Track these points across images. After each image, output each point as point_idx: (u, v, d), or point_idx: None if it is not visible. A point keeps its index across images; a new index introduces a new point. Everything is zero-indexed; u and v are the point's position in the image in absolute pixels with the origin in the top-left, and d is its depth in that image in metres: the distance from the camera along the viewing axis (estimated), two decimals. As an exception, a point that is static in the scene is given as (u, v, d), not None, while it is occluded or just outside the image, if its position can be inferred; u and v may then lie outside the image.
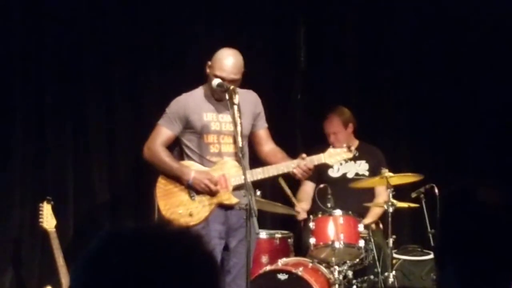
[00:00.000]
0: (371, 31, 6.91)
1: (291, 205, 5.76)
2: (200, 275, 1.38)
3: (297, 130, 6.85)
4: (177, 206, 4.91)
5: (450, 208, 1.98)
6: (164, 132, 4.98)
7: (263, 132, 5.15)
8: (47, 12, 5.93)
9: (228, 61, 4.89)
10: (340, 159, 5.11)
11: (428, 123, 6.88)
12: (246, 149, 4.90)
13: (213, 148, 4.95)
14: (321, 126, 6.24)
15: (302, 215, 5.94)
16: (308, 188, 6.13)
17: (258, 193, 5.11)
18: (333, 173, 6.07)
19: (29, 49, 5.88)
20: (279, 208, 5.78)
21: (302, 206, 6.00)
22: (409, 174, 5.68)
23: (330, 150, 5.03)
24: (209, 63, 4.92)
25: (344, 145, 5.19)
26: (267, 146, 5.14)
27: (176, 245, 1.38)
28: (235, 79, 4.88)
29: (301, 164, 4.88)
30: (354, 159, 5.82)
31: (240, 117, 4.76)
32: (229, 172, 4.92)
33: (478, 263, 1.88)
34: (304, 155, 4.94)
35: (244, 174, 4.65)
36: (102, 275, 1.35)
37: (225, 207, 4.92)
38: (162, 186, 4.95)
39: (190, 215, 4.87)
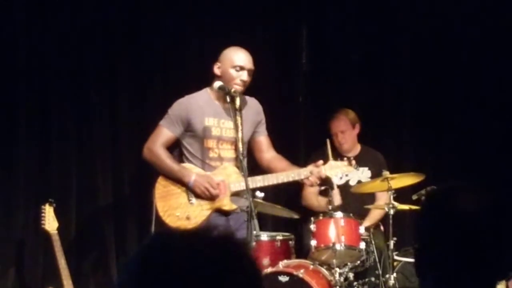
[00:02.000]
0: (373, 33, 6.91)
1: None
2: (245, 282, 1.37)
3: (300, 132, 6.86)
4: (175, 209, 4.91)
5: (427, 217, 1.95)
6: (165, 133, 4.99)
7: (264, 139, 5.17)
8: (51, 14, 5.95)
9: (241, 52, 4.97)
10: (340, 172, 5.13)
11: (432, 124, 6.88)
12: (246, 155, 4.90)
13: (212, 153, 4.96)
14: (326, 127, 6.25)
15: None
16: (312, 189, 6.12)
17: (261, 195, 5.09)
18: (337, 180, 6.07)
19: (33, 52, 5.90)
20: (280, 211, 5.79)
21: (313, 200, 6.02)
22: (411, 173, 5.67)
23: (331, 162, 5.02)
24: (218, 64, 4.95)
25: (345, 158, 5.20)
26: (269, 153, 5.15)
27: (222, 251, 1.37)
28: (252, 69, 4.93)
29: (314, 171, 4.90)
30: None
31: (241, 123, 4.77)
32: (229, 178, 4.92)
33: (455, 273, 1.86)
34: (319, 162, 4.94)
35: (245, 177, 4.64)
36: (147, 280, 1.35)
37: (224, 212, 4.93)
38: (161, 187, 4.96)
39: (187, 218, 4.88)
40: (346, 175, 5.87)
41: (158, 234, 1.44)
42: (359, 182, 6.08)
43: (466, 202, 1.89)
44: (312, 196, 6.18)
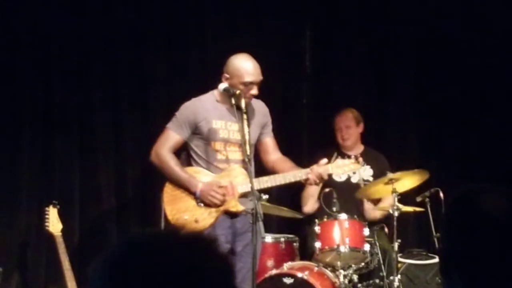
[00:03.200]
0: (376, 35, 6.91)
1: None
2: (216, 279, 1.39)
3: (303, 133, 6.86)
4: (183, 212, 4.90)
5: (454, 218, 1.95)
6: (172, 136, 4.97)
7: (269, 140, 5.16)
8: (54, 17, 5.95)
9: (249, 65, 4.89)
10: (348, 170, 5.12)
11: (436, 126, 6.88)
12: (252, 157, 4.89)
13: (220, 155, 4.94)
14: (330, 126, 6.25)
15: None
16: (312, 190, 6.11)
17: (265, 197, 5.08)
18: (338, 177, 6.07)
19: (36, 54, 5.90)
20: (284, 212, 5.78)
21: (310, 204, 6.01)
22: (415, 170, 5.64)
23: (338, 161, 4.99)
24: (226, 75, 4.89)
25: (353, 156, 5.18)
26: (274, 154, 5.14)
27: (191, 251, 1.39)
28: (262, 79, 4.90)
29: (314, 169, 4.88)
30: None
31: (248, 125, 4.75)
32: (236, 180, 4.91)
33: (483, 274, 1.85)
34: (323, 161, 4.92)
35: (251, 179, 4.64)
36: (119, 283, 1.37)
37: (231, 214, 4.93)
38: (169, 191, 4.94)
39: (196, 221, 4.87)
40: (354, 172, 5.86)
41: (125, 239, 1.44)
42: (360, 179, 6.08)
43: (493, 202, 1.89)
44: (307, 196, 6.14)
